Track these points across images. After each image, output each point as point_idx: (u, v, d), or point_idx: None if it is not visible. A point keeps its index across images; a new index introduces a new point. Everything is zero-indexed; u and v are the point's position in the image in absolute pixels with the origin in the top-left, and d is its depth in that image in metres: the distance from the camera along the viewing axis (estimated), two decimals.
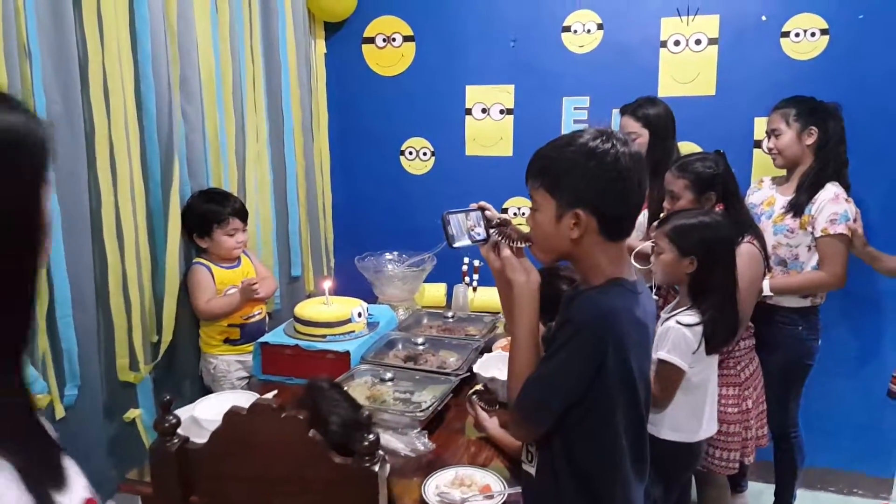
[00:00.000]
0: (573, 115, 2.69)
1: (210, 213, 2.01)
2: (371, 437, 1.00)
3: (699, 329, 1.56)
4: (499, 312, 2.41)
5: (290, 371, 1.89)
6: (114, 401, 1.79)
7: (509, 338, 2.11)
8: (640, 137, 2.23)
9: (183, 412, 1.55)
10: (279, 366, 1.91)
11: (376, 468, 0.96)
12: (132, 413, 1.83)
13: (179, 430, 1.44)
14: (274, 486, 0.98)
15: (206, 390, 2.11)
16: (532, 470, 1.16)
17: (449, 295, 2.62)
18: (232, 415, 1.01)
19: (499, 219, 1.23)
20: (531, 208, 1.11)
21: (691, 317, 1.57)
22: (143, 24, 1.81)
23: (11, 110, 0.57)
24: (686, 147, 2.47)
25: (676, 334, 1.55)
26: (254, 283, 2.02)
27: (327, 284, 2.05)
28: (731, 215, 1.82)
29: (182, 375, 2.07)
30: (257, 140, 2.41)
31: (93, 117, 1.67)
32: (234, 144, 2.27)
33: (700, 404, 1.64)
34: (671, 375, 1.56)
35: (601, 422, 1.06)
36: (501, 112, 2.78)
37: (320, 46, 2.87)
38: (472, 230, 1.30)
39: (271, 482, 0.98)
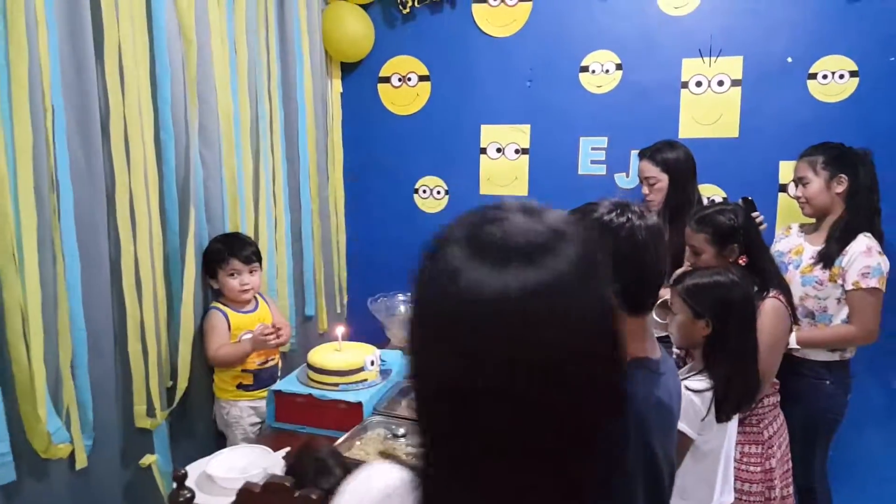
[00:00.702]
0: (590, 155, 2.66)
1: (214, 252, 2.02)
2: None
3: (708, 395, 1.48)
4: None
5: (303, 420, 1.85)
6: (130, 447, 1.78)
7: None
8: (660, 182, 2.20)
9: (196, 466, 1.53)
10: (292, 414, 1.87)
11: None
12: (148, 459, 1.81)
13: (192, 484, 1.42)
14: None
15: (220, 435, 2.09)
16: None
17: None
18: (245, 492, 0.99)
19: None
20: None
21: (700, 382, 1.50)
22: (163, 72, 1.82)
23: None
24: (708, 190, 2.44)
25: (684, 400, 1.47)
26: (268, 333, 1.99)
27: (340, 330, 2.02)
28: (755, 267, 1.77)
29: (196, 420, 2.05)
30: (274, 181, 2.42)
31: (113, 169, 1.68)
32: (251, 187, 2.27)
33: (711, 473, 1.56)
34: (679, 440, 1.49)
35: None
36: (517, 151, 2.77)
37: (336, 86, 2.89)
38: None
39: None
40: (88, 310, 1.60)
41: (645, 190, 2.23)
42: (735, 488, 1.68)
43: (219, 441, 2.09)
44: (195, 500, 1.04)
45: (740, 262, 1.76)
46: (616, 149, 2.62)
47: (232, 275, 2.01)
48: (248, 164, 2.24)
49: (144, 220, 1.76)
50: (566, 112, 2.66)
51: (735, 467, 1.69)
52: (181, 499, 1.01)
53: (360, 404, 1.80)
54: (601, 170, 2.64)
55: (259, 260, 2.09)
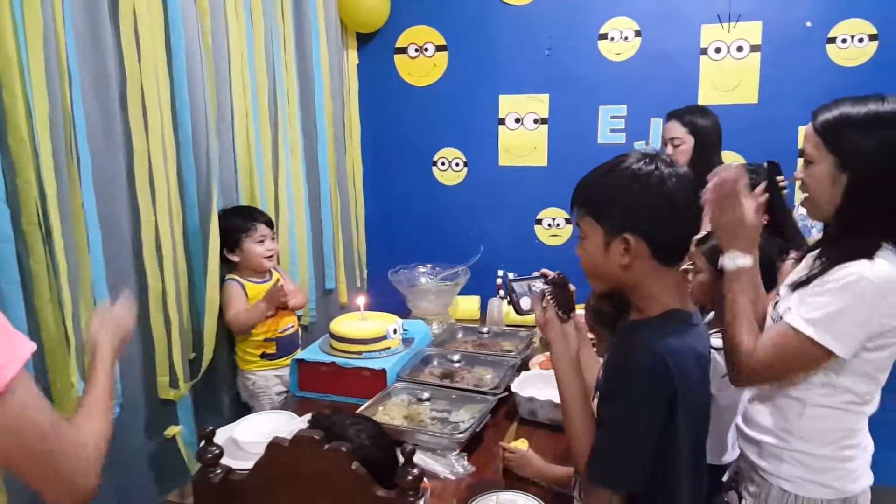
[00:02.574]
0: (610, 123, 2.63)
1: (236, 225, 2.02)
2: (415, 471, 0.97)
3: None
4: (534, 327, 2.37)
5: (327, 388, 1.88)
6: (154, 418, 1.80)
7: (547, 354, 2.08)
8: (684, 144, 2.16)
9: (223, 433, 1.56)
10: (316, 382, 1.90)
11: (420, 503, 0.94)
12: (172, 430, 1.83)
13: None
14: None
15: (244, 406, 2.11)
16: None
17: (483, 308, 2.59)
18: (274, 446, 1.00)
19: (557, 274, 1.22)
20: (580, 237, 1.08)
21: (720, 340, 1.51)
22: (178, 41, 1.81)
23: None
24: (728, 157, 2.41)
25: None
26: (281, 287, 2.01)
27: (362, 300, 2.04)
28: (777, 228, 1.75)
29: (219, 392, 2.07)
30: (292, 154, 2.42)
31: (132, 138, 1.68)
32: (269, 160, 2.28)
33: (725, 427, 1.57)
34: None
35: (665, 462, 1.00)
36: (535, 122, 2.75)
37: (352, 57, 2.87)
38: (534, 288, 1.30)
39: None
40: (111, 280, 1.61)
41: (669, 150, 2.21)
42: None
43: (242, 413, 2.12)
44: (222, 460, 1.06)
45: (763, 221, 1.74)
46: (635, 117, 2.59)
47: (261, 241, 2.04)
48: (266, 136, 2.25)
49: (163, 191, 1.76)
50: (585, 80, 2.63)
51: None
52: (209, 455, 1.02)
53: (383, 371, 1.82)
54: (621, 138, 2.62)
55: (273, 225, 2.13)
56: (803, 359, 1.13)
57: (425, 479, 1.28)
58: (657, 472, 0.99)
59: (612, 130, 2.63)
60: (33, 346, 0.74)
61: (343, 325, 1.95)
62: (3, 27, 1.31)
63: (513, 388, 1.74)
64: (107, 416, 0.94)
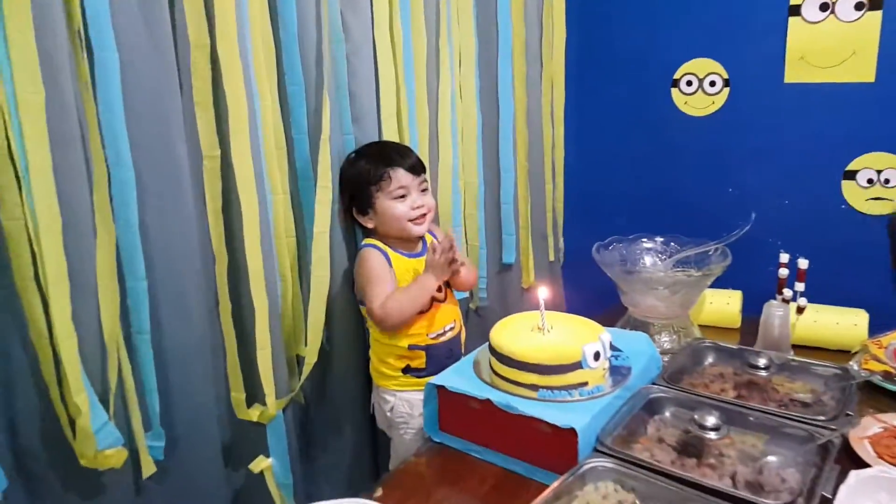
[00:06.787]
0: None
1: (362, 173, 1.36)
2: None
3: None
4: (855, 351, 1.39)
5: (480, 437, 1.15)
6: (233, 446, 1.26)
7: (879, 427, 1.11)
8: None
9: None
10: (463, 423, 1.18)
11: None
12: (260, 463, 1.27)
13: None
14: None
15: (382, 436, 1.50)
16: None
17: (747, 311, 1.64)
18: None
19: None
20: None
21: None
22: None
23: None
24: None
25: None
26: (448, 238, 1.34)
27: (543, 293, 1.22)
28: None
29: (342, 411, 1.47)
30: (460, 67, 1.68)
31: (186, 31, 1.07)
32: (424, 75, 1.56)
33: None
34: None
35: None
36: (859, 7, 1.63)
37: None
38: None
39: None
40: (155, 245, 1.05)
41: None
42: None
43: (380, 440, 1.53)
44: None
45: None
46: None
47: (402, 197, 1.36)
48: (420, 38, 1.53)
49: (240, 110, 1.13)
50: None
51: None
52: None
53: (572, 432, 1.02)
54: None
55: (424, 169, 1.44)
56: None
57: None
58: None
59: None
60: None
61: (510, 335, 1.18)
62: None
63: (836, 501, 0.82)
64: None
